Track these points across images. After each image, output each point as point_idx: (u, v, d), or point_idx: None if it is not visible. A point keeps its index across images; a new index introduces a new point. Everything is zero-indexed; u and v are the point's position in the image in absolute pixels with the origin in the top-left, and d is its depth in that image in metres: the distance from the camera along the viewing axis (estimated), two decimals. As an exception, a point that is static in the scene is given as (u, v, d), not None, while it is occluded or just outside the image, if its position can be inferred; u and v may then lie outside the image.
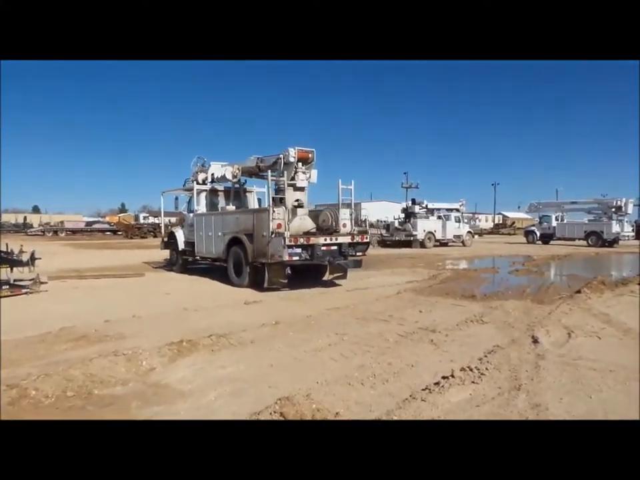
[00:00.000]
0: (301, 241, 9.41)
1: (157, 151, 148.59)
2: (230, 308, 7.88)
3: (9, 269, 9.85)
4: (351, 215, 10.57)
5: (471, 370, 4.34)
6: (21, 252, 10.28)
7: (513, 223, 68.14)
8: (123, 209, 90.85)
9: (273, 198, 10.02)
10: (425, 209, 29.39)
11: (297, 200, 10.28)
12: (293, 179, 10.13)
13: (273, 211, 9.36)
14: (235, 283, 10.46)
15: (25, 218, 54.78)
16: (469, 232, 30.11)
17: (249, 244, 9.95)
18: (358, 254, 10.40)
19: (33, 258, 10.22)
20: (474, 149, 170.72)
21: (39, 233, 44.34)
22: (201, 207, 12.68)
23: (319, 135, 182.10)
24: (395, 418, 3.37)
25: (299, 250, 9.34)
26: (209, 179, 12.56)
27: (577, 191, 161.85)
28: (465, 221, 30.90)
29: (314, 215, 10.66)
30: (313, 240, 9.58)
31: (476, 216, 66.92)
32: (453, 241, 28.73)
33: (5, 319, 6.84)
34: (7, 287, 8.89)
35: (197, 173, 12.88)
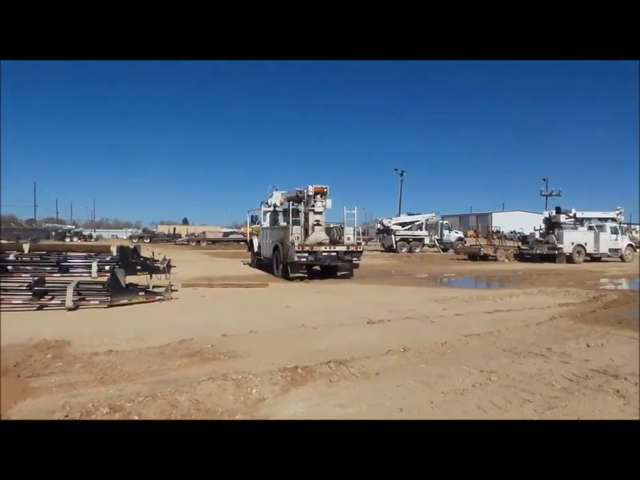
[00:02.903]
0: (306, 248, 13.63)
1: (284, 164, 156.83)
2: (351, 327, 7.13)
3: (149, 275, 10.52)
4: (354, 231, 14.57)
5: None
6: (164, 260, 10.90)
7: (686, 235, 57.36)
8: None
9: (292, 220, 14.43)
10: (573, 219, 25.65)
11: (317, 220, 14.40)
12: (313, 205, 14.30)
13: (292, 228, 13.85)
14: (275, 274, 14.96)
15: (174, 229, 61.30)
16: (629, 245, 25.57)
17: (281, 249, 14.44)
18: (354, 259, 14.27)
19: (168, 266, 10.74)
20: (628, 150, 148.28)
21: (185, 243, 49.11)
22: (266, 222, 17.69)
23: (443, 144, 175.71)
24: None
25: (305, 254, 13.58)
26: (273, 203, 17.50)
27: None
28: (622, 232, 26.29)
29: (328, 230, 14.91)
30: (315, 248, 13.77)
31: (633, 227, 57.94)
32: (609, 255, 24.60)
33: (136, 326, 7.01)
34: (143, 293, 9.31)
35: (269, 197, 17.72)
